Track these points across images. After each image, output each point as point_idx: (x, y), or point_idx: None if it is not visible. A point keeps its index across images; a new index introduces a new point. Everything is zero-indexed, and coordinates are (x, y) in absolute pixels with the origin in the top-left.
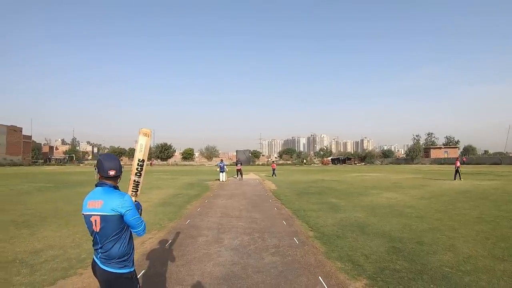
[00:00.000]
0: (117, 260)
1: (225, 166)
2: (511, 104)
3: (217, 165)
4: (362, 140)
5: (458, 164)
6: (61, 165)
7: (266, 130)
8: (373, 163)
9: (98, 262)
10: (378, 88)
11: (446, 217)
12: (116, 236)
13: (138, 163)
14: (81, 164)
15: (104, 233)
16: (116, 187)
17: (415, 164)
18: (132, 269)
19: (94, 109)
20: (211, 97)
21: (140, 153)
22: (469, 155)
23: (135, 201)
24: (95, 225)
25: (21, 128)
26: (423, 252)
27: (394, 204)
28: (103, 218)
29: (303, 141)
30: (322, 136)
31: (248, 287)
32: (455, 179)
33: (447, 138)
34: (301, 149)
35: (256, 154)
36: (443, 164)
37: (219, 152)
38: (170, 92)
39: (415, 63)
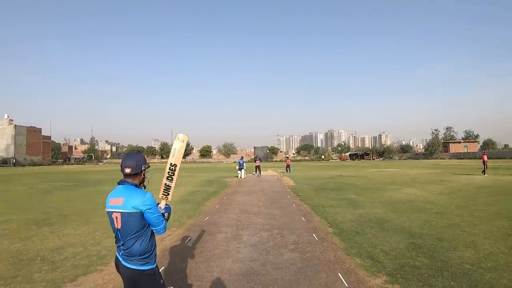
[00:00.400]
0: (138, 257)
1: (244, 164)
2: None
3: (236, 161)
4: (380, 135)
5: (486, 158)
6: (80, 164)
7: (283, 127)
8: (391, 158)
9: (121, 259)
10: (396, 82)
11: (466, 213)
12: (137, 234)
13: (170, 167)
14: (100, 163)
15: (125, 230)
16: (137, 185)
17: (434, 159)
18: (154, 266)
19: (113, 108)
20: (228, 94)
21: (173, 158)
22: (488, 149)
23: (166, 204)
24: (117, 222)
25: (40, 128)
26: (443, 249)
27: (413, 199)
28: (124, 215)
29: (320, 136)
30: (339, 132)
31: (267, 283)
32: (484, 173)
33: (466, 132)
34: (319, 144)
35: (274, 151)
36: (462, 158)
37: (237, 149)
38: (189, 88)
39: (435, 56)
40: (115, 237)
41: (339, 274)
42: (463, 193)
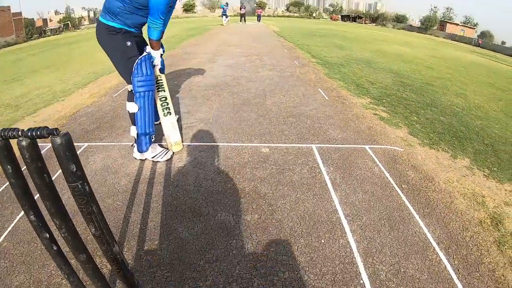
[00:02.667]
0: (110, 14)
1: (227, 10)
2: None
3: (220, 7)
4: (376, 3)
5: None
6: (57, 34)
7: None
8: (384, 25)
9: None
10: None
11: (457, 74)
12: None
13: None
14: (78, 30)
15: None
16: None
17: (429, 34)
18: (122, 26)
19: None
20: None
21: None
22: (485, 40)
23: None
24: None
25: (9, 6)
26: (433, 91)
27: (404, 54)
28: None
29: None
30: None
31: (238, 92)
32: None
33: (466, 17)
34: (310, 3)
35: (261, 5)
36: (457, 40)
37: (223, 2)
38: None
39: None
40: None
41: (319, 89)
42: (456, 62)
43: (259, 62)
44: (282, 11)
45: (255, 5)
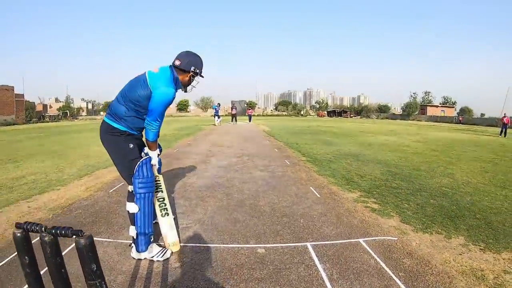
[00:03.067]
0: (115, 116)
1: (219, 111)
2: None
3: (212, 108)
4: (359, 96)
5: (506, 120)
6: (56, 121)
7: (262, 85)
8: (369, 117)
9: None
10: (378, 45)
11: (443, 155)
12: (131, 103)
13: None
14: (76, 120)
15: (127, 90)
16: (177, 80)
17: (411, 120)
18: (126, 129)
19: (87, 63)
20: (206, 48)
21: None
22: (465, 116)
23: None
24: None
25: (13, 87)
26: (421, 176)
27: (390, 143)
28: (140, 77)
29: (299, 95)
30: (318, 91)
31: (231, 193)
32: (501, 135)
33: (444, 98)
34: (297, 101)
35: (251, 105)
36: (439, 122)
37: (214, 101)
38: (163, 40)
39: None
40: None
41: (311, 187)
42: (440, 142)
43: (251, 163)
44: (271, 110)
45: (245, 105)
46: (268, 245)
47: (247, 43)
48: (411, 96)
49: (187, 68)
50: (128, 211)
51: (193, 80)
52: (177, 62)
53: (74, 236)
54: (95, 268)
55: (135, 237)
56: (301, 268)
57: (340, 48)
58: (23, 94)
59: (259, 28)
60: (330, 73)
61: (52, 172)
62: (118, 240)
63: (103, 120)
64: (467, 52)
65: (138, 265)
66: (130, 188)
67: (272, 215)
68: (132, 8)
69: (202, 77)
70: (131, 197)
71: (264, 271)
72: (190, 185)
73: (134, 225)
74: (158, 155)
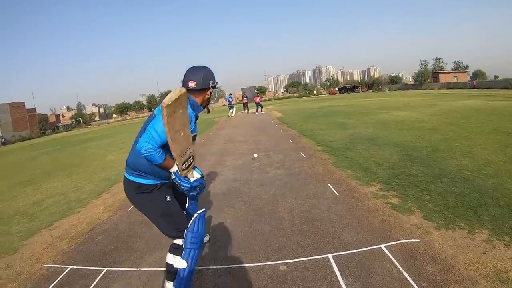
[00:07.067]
0: (131, 168)
1: (232, 101)
2: None
3: (226, 99)
4: (368, 69)
5: None
6: (69, 130)
7: (270, 67)
8: (381, 89)
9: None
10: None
11: (460, 129)
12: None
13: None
14: (90, 126)
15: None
16: (193, 103)
17: (424, 89)
18: (152, 182)
19: (93, 68)
20: (210, 38)
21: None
22: (478, 80)
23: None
24: None
25: (24, 102)
26: (440, 158)
27: (405, 119)
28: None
29: (308, 74)
30: (327, 68)
31: (250, 200)
32: None
33: (456, 63)
34: (307, 81)
35: (262, 90)
36: (452, 88)
37: (225, 92)
38: (169, 36)
39: None
40: None
41: (329, 184)
42: (455, 113)
43: (266, 160)
44: (282, 92)
45: (255, 91)
46: (289, 261)
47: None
48: (422, 64)
49: (205, 85)
50: (168, 264)
51: (212, 95)
52: (192, 84)
53: None
54: None
55: None
56: (324, 286)
57: (345, 18)
58: (34, 108)
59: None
60: (337, 46)
61: (70, 191)
62: (142, 269)
63: (125, 178)
64: (477, 10)
65: None
66: (178, 241)
67: (292, 223)
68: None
69: (216, 84)
70: (176, 250)
71: None
72: (207, 194)
73: (171, 281)
74: (202, 177)
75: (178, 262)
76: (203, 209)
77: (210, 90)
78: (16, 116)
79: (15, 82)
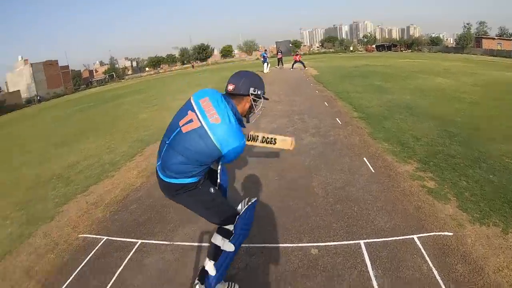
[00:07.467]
0: (175, 173)
1: (267, 57)
2: None
3: (260, 55)
4: (408, 27)
5: None
6: (103, 85)
7: (306, 21)
8: (420, 50)
9: (159, 170)
10: None
11: (504, 106)
12: (191, 157)
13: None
14: (123, 80)
15: (184, 141)
16: (236, 113)
17: (466, 53)
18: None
19: (127, 24)
20: None
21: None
22: None
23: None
24: (185, 122)
25: (57, 60)
26: (480, 139)
27: (445, 88)
28: (198, 131)
29: (345, 29)
30: (365, 23)
31: (283, 170)
32: None
33: (501, 29)
34: (344, 37)
35: (297, 44)
36: (495, 56)
37: (259, 46)
38: None
39: None
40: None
41: (364, 158)
42: (500, 87)
43: (301, 125)
44: (317, 47)
45: (290, 45)
46: (321, 244)
47: None
48: (465, 26)
49: (244, 91)
50: (214, 244)
51: (255, 105)
52: (230, 87)
53: None
54: None
55: (209, 272)
56: (354, 276)
57: None
58: (67, 65)
59: None
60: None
61: (104, 153)
62: (175, 243)
63: (163, 180)
64: None
65: (196, 275)
66: (228, 226)
67: (326, 200)
68: None
69: (266, 99)
70: (226, 233)
71: (316, 279)
72: (241, 161)
73: (213, 260)
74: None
75: (227, 245)
76: (255, 198)
77: (250, 98)
78: (50, 74)
79: (49, 41)
